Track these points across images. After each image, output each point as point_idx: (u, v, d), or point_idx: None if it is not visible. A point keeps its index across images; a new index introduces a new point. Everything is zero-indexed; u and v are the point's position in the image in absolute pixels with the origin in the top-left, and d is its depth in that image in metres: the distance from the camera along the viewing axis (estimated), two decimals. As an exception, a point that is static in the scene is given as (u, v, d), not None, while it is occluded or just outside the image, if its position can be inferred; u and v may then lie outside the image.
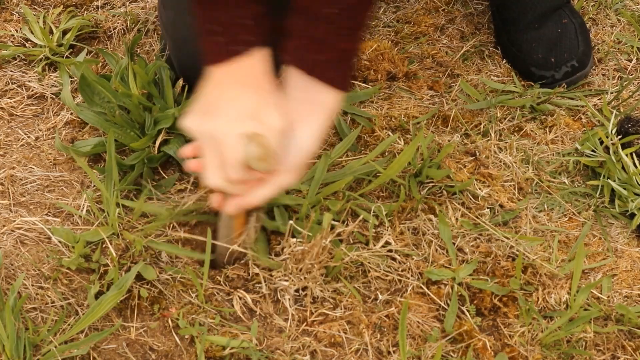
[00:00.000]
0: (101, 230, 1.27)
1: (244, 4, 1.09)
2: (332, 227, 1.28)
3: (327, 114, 1.15)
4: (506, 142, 1.51)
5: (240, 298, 1.23)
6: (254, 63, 1.10)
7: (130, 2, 1.71)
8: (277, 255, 1.27)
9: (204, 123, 1.09)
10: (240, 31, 1.09)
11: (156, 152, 1.38)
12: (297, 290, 1.25)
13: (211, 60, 1.10)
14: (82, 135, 1.44)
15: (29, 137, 1.44)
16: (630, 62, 1.70)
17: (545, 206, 1.42)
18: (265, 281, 1.25)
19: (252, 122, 1.08)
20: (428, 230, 1.35)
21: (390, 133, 1.49)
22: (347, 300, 1.25)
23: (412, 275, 1.29)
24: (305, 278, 1.24)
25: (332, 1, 1.09)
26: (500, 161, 1.48)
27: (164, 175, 1.39)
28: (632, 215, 1.41)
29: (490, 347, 1.22)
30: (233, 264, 1.27)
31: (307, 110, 1.14)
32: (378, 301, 1.26)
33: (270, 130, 1.09)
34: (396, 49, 1.66)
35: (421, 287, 1.28)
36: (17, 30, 1.62)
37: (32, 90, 1.52)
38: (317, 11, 1.10)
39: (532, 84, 1.61)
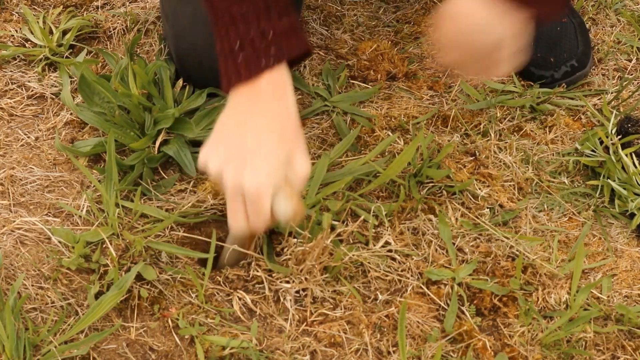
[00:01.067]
0: (101, 231, 1.27)
1: (272, 15, 1.05)
2: (333, 228, 1.28)
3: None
4: (506, 142, 1.51)
5: (240, 298, 1.23)
6: (283, 78, 1.06)
7: (130, 2, 1.71)
8: (278, 256, 1.27)
9: (236, 173, 1.06)
10: (270, 44, 1.04)
11: (156, 152, 1.38)
12: (297, 291, 1.25)
13: (237, 79, 1.05)
14: (82, 136, 1.44)
15: (28, 137, 1.44)
16: (630, 62, 1.70)
17: (545, 206, 1.42)
18: (265, 282, 1.25)
19: (284, 169, 1.07)
20: (428, 230, 1.35)
21: (390, 133, 1.49)
22: (347, 301, 1.25)
23: (412, 275, 1.29)
24: (306, 279, 1.24)
25: None
26: (500, 161, 1.48)
27: (164, 175, 1.39)
28: (632, 215, 1.41)
29: (490, 347, 1.22)
30: (233, 267, 1.27)
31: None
32: (378, 301, 1.26)
33: (300, 179, 1.09)
34: (396, 49, 1.66)
35: (421, 287, 1.28)
36: (17, 31, 1.62)
37: (32, 91, 1.52)
38: None
39: (532, 83, 1.61)
